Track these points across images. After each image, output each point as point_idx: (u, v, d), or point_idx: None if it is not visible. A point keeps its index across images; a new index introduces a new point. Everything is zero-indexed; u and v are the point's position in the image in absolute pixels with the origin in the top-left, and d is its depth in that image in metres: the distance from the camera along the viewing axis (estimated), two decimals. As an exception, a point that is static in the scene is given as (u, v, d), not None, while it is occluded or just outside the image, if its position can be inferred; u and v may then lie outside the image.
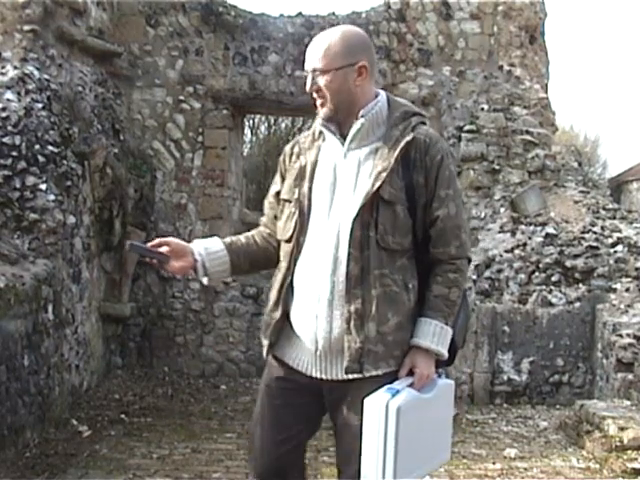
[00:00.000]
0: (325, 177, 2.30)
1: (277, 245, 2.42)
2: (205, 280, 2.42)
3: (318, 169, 2.32)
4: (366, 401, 2.11)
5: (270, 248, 2.46)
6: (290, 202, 2.33)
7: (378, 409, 2.08)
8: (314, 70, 2.28)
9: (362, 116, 2.27)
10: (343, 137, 2.31)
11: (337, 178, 2.28)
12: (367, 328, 2.17)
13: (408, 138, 2.26)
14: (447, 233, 2.26)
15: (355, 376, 2.18)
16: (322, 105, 2.30)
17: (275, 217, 2.43)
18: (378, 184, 2.18)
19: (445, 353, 2.25)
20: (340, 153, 2.31)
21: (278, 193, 2.44)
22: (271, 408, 2.35)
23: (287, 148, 2.49)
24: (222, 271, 2.41)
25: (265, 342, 2.35)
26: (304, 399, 2.31)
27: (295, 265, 2.29)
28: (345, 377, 2.20)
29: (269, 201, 2.50)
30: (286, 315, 2.31)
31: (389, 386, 2.13)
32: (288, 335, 2.32)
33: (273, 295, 2.35)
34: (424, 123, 2.38)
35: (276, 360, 2.36)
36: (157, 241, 2.36)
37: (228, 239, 2.47)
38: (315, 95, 2.31)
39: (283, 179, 2.44)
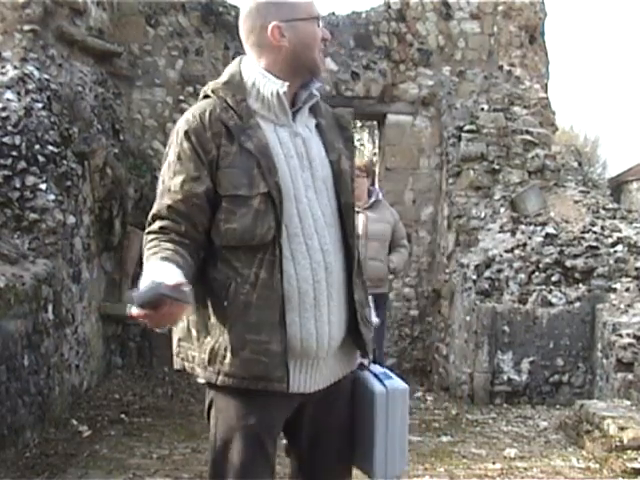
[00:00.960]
0: (289, 162, 1.95)
1: (199, 257, 1.93)
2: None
3: (275, 153, 1.94)
4: (378, 393, 2.04)
5: (195, 263, 1.91)
6: (250, 197, 1.89)
7: (395, 397, 2.06)
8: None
9: (317, 88, 2.04)
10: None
11: (301, 161, 1.98)
12: (368, 315, 2.08)
13: (347, 115, 2.23)
14: None
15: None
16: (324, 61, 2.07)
17: (204, 221, 1.92)
18: (350, 164, 2.08)
19: None
20: (290, 131, 2.00)
21: (210, 190, 1.91)
22: (264, 455, 1.97)
23: (197, 127, 1.92)
24: None
25: (276, 375, 1.89)
26: (280, 423, 2.02)
27: (286, 273, 1.91)
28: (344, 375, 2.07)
29: (193, 202, 1.90)
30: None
31: (378, 372, 2.11)
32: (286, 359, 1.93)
33: (264, 317, 1.88)
34: None
35: (250, 394, 1.93)
36: (179, 281, 1.72)
37: (178, 263, 1.83)
38: (323, 46, 2.04)
39: (209, 170, 1.91)
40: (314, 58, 2.00)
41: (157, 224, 1.92)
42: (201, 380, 1.98)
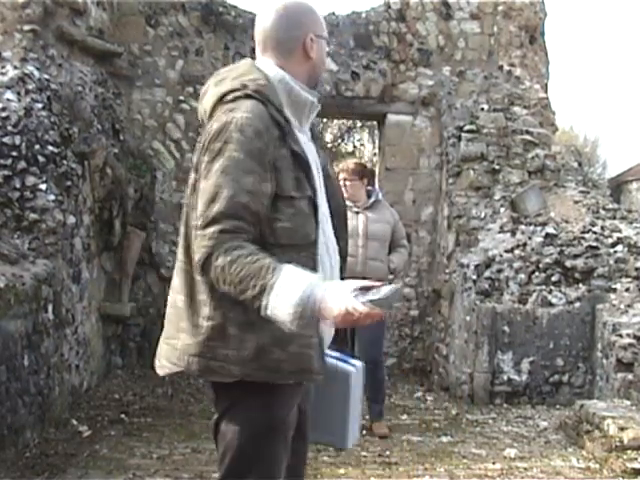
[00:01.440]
0: (314, 166, 2.09)
1: None
2: None
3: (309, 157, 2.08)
4: (353, 372, 2.23)
5: None
6: (299, 199, 1.98)
7: (360, 375, 2.29)
8: None
9: (318, 98, 2.16)
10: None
11: (317, 166, 2.13)
12: None
13: (317, 125, 2.38)
14: None
15: None
16: None
17: (264, 221, 1.95)
18: (332, 171, 2.31)
19: None
20: (307, 137, 2.14)
21: (273, 190, 1.96)
22: (287, 451, 2.06)
23: (261, 127, 1.93)
24: None
25: (317, 367, 2.02)
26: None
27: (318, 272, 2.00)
28: None
29: (263, 202, 1.93)
30: None
31: (336, 355, 2.26)
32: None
33: None
34: None
35: (284, 389, 2.01)
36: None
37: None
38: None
39: (271, 170, 1.94)
40: (321, 75, 2.16)
41: (231, 223, 1.87)
42: (231, 379, 1.97)
